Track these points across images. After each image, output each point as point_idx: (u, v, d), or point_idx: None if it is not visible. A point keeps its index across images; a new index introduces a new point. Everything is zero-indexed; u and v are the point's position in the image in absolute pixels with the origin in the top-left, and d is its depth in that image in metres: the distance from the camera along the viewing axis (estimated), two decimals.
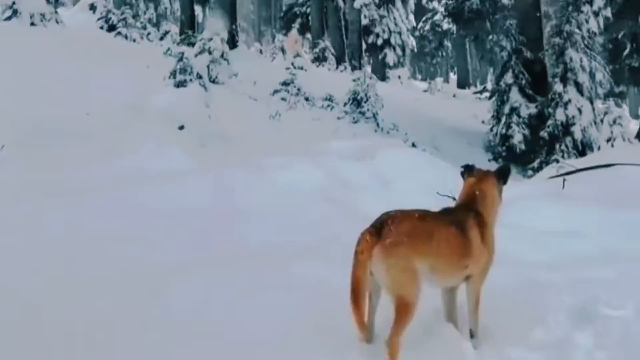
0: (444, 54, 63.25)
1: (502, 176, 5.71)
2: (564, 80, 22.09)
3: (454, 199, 9.57)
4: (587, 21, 22.58)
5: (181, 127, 16.11)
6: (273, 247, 6.98)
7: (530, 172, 21.94)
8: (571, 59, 21.93)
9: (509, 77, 23.31)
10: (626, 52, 30.54)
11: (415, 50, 48.88)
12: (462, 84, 53.86)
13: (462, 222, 5.35)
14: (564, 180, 9.77)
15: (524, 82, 23.28)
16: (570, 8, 22.33)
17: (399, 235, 5.00)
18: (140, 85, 17.09)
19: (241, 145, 16.77)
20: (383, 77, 40.28)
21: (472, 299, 5.48)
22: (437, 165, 14.45)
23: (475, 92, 47.62)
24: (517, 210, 9.00)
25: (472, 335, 5.46)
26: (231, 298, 5.84)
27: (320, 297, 5.91)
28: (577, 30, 22.16)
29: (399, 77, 43.84)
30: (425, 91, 39.54)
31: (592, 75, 22.61)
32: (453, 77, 67.05)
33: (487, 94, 44.75)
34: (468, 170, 5.65)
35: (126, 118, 15.30)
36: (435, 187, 10.89)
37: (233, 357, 4.95)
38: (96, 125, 14.11)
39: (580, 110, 21.89)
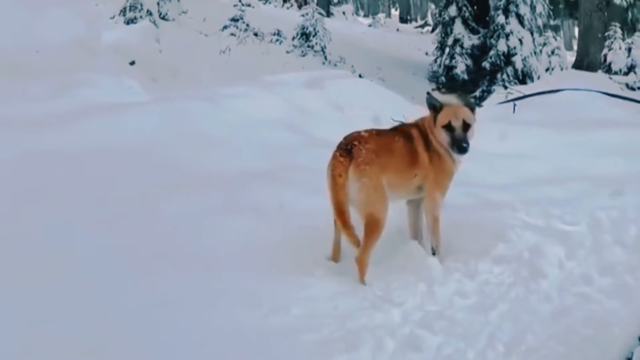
0: None
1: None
2: (506, 12, 22.06)
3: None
4: None
5: (132, 63, 15.74)
6: (237, 174, 6.83)
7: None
8: None
9: (452, 10, 23.18)
10: None
11: None
12: (404, 18, 53.51)
13: (408, 135, 5.39)
14: (514, 105, 9.73)
15: (467, 14, 23.18)
16: None
17: (369, 153, 5.02)
18: (90, 23, 16.56)
19: (192, 79, 16.48)
20: (327, 14, 39.69)
21: (429, 216, 5.46)
22: (385, 94, 14.42)
23: (417, 27, 47.44)
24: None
25: (434, 253, 5.43)
26: (199, 225, 5.72)
27: (286, 220, 5.81)
28: None
29: (344, 13, 43.37)
30: (370, 26, 39.18)
31: (532, 8, 22.56)
32: (395, 12, 66.55)
33: (429, 28, 44.73)
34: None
35: (77, 55, 14.87)
36: (386, 113, 10.83)
37: (201, 284, 4.80)
38: (47, 62, 13.66)
39: (521, 41, 21.93)
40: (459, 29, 22.89)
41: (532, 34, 22.42)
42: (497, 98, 11.38)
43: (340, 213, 4.95)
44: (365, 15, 65.93)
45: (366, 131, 5.28)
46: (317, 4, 41.99)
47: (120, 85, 9.82)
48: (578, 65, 30.76)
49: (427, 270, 5.01)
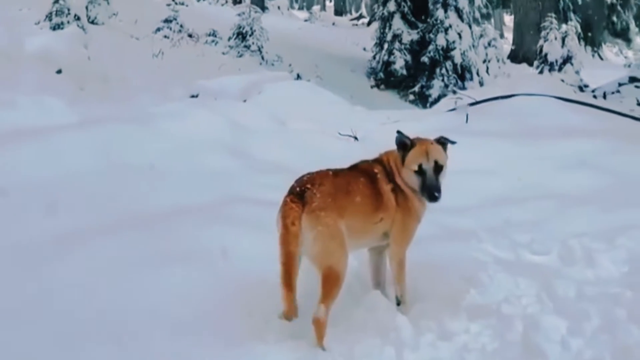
0: None
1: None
2: (445, 6, 21.47)
3: (356, 138, 8.83)
4: None
5: (59, 71, 14.67)
6: (173, 211, 5.99)
7: (411, 97, 21.44)
8: None
9: (391, 5, 22.48)
10: None
11: None
12: (339, 11, 52.77)
13: (371, 173, 4.71)
14: (467, 114, 9.06)
15: (406, 9, 22.51)
16: None
17: (324, 197, 4.33)
18: (11, 29, 15.41)
19: (123, 86, 15.51)
20: (262, 8, 38.77)
21: (394, 262, 4.76)
22: (327, 98, 13.81)
23: (352, 19, 46.82)
24: None
25: (398, 303, 4.74)
26: (125, 275, 4.85)
27: (229, 269, 5.03)
28: None
29: (279, 7, 42.45)
30: (306, 20, 38.35)
31: (470, 0, 22.07)
32: (329, 4, 65.83)
33: (364, 21, 44.16)
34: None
35: None
36: (330, 123, 10.13)
37: (130, 352, 3.99)
38: None
39: (460, 35, 21.40)
40: (398, 24, 22.22)
41: (470, 27, 21.92)
42: (447, 104, 10.67)
43: (287, 271, 4.21)
44: (300, 8, 65.23)
45: (321, 172, 4.56)
46: (252, 1, 41.29)
47: (41, 105, 8.85)
48: (514, 56, 30.58)
49: (395, 331, 4.28)
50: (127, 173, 6.79)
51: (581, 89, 11.05)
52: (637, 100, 10.61)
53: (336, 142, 8.64)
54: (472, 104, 9.92)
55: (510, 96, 9.77)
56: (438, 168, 4.61)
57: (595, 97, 11.07)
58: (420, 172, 4.58)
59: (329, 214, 4.28)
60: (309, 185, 4.36)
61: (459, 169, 7.61)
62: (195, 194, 6.44)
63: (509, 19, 47.09)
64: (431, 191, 4.55)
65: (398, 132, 4.74)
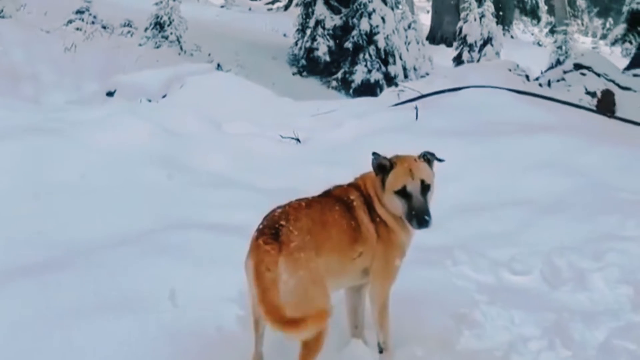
0: None
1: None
2: None
3: (298, 140, 8.05)
4: None
5: None
6: (106, 242, 5.06)
7: (334, 84, 20.77)
8: None
9: None
10: None
11: None
12: None
13: (346, 201, 3.93)
14: (417, 109, 8.33)
15: None
16: None
17: (302, 235, 3.54)
18: None
19: (34, 83, 14.33)
20: None
21: (376, 304, 3.97)
22: (252, 90, 12.99)
23: (268, 4, 45.75)
24: (371, 149, 7.52)
25: (381, 350, 3.98)
26: (51, 328, 3.94)
27: (179, 315, 4.18)
28: None
29: None
30: (222, 7, 37.14)
31: None
32: None
33: (279, 5, 43.19)
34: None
35: None
36: (266, 122, 9.34)
37: None
38: None
39: (383, 19, 20.80)
40: (321, 9, 21.40)
41: (392, 9, 21.33)
42: (389, 97, 9.93)
43: (279, 317, 3.35)
44: None
45: (292, 204, 3.76)
46: None
47: None
48: (432, 37, 30.27)
49: None
50: (48, 195, 5.81)
51: (528, 78, 10.50)
52: (585, 89, 10.13)
53: (278, 146, 7.84)
54: (418, 98, 9.20)
55: (460, 89, 9.08)
56: (425, 188, 3.85)
57: (540, 85, 10.55)
58: (405, 194, 3.82)
59: (308, 254, 3.48)
60: (283, 222, 3.54)
61: None
62: (131, 219, 5.51)
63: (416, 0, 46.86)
64: (420, 215, 3.79)
65: (374, 154, 3.96)
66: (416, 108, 8.38)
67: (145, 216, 5.57)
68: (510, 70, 10.43)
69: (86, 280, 4.47)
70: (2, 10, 17.18)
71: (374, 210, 3.91)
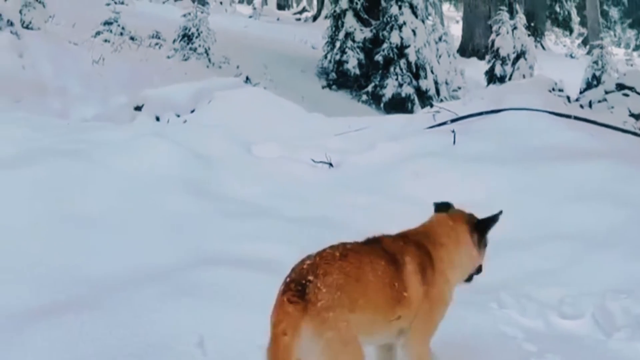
0: None
1: (480, 227, 3.89)
2: (399, 2, 20.54)
3: (331, 164, 7.80)
4: None
5: None
6: (130, 278, 4.81)
7: (364, 97, 20.53)
8: None
9: (344, 2, 21.47)
10: None
11: None
12: (282, 5, 51.51)
13: (396, 255, 3.53)
14: (454, 133, 8.02)
15: (358, 6, 21.50)
16: None
17: (332, 291, 3.16)
18: None
19: (62, 96, 14.20)
20: (203, 2, 37.51)
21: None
22: (281, 106, 12.75)
23: (295, 13, 45.73)
24: (407, 175, 7.27)
25: None
26: None
27: None
28: None
29: (221, 2, 41.10)
30: (250, 17, 37.07)
31: None
32: None
33: (307, 15, 43.09)
34: (441, 207, 3.76)
35: None
36: (296, 143, 9.07)
37: None
38: None
39: (414, 32, 20.55)
40: (350, 22, 21.19)
41: (424, 22, 21.05)
42: (424, 118, 9.61)
43: None
44: (240, 2, 64.06)
45: (325, 255, 3.34)
46: None
47: None
48: (463, 50, 29.91)
49: None
50: (71, 226, 5.58)
51: (569, 99, 10.16)
52: (629, 111, 9.76)
53: (310, 171, 7.57)
54: (455, 120, 8.88)
55: (498, 111, 8.74)
56: None
57: (581, 106, 10.20)
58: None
59: (338, 312, 3.17)
60: (310, 277, 3.19)
61: (450, 201, 6.67)
62: (157, 252, 5.25)
63: (445, 9, 46.60)
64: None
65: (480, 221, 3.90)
66: (453, 132, 8.06)
67: (172, 250, 5.32)
68: (550, 90, 10.08)
69: (110, 322, 4.22)
70: (30, 22, 17.08)
71: (434, 272, 3.61)
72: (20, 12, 16.75)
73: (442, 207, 3.86)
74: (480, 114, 8.82)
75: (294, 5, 59.70)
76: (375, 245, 3.56)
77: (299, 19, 41.86)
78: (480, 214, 6.30)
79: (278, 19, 37.94)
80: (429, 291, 3.53)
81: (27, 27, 16.68)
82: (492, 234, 5.94)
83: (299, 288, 3.15)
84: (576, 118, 8.60)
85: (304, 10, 46.99)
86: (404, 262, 3.50)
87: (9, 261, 4.98)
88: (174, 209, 6.03)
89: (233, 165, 7.23)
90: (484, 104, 9.33)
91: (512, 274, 5.34)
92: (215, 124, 10.26)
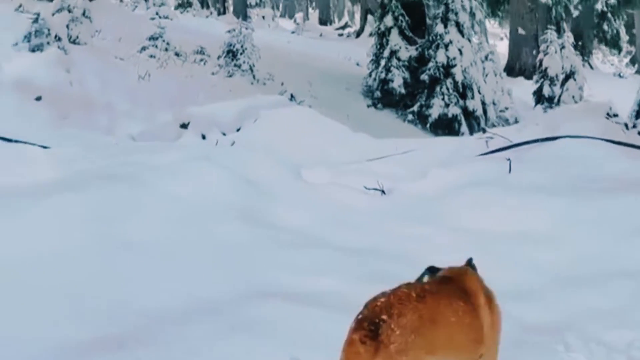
0: None
1: None
2: (445, 20, 20.43)
3: (383, 191, 7.74)
4: None
5: (38, 98, 13.48)
6: (182, 312, 4.77)
7: (410, 117, 20.41)
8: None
9: (388, 20, 21.36)
10: None
11: None
12: (324, 20, 51.66)
13: (469, 291, 3.47)
14: (510, 162, 7.90)
15: (403, 24, 21.40)
16: None
17: (406, 333, 3.06)
18: None
19: (108, 112, 14.34)
20: (245, 17, 37.78)
21: None
22: (328, 126, 12.77)
23: (338, 29, 45.80)
24: (461, 205, 7.16)
25: None
26: None
27: None
28: None
29: (263, 17, 41.32)
30: (293, 32, 37.22)
31: (471, 14, 21.04)
32: (312, 12, 64.79)
33: (350, 30, 43.11)
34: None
35: None
36: (346, 166, 9.04)
37: None
38: None
39: (460, 51, 20.34)
40: (395, 40, 21.08)
41: (470, 41, 20.88)
42: (477, 144, 9.49)
43: None
44: (282, 16, 64.51)
45: (399, 293, 3.22)
46: (234, 10, 40.16)
47: (19, 154, 7.65)
48: (509, 69, 29.63)
49: None
50: (119, 255, 5.54)
51: (626, 126, 9.95)
52: None
53: (362, 198, 7.50)
54: (509, 147, 8.74)
55: (554, 138, 8.60)
56: None
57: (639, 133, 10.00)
58: None
59: (412, 355, 3.09)
60: (384, 317, 3.09)
61: (506, 233, 6.56)
62: (208, 283, 5.20)
63: (489, 26, 46.24)
64: None
65: None
66: (509, 160, 7.94)
67: (223, 280, 5.26)
68: (606, 117, 9.91)
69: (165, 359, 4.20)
70: (77, 37, 17.29)
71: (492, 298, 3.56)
72: (68, 26, 16.99)
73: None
74: (536, 141, 8.68)
75: (336, 20, 59.98)
76: (451, 284, 3.47)
77: (341, 35, 41.92)
78: (540, 248, 6.22)
79: (321, 35, 38.00)
80: (493, 321, 3.48)
81: (74, 42, 16.90)
82: (549, 268, 5.87)
83: (371, 328, 3.06)
84: (636, 147, 8.42)
85: (346, 25, 47.06)
86: (477, 297, 3.43)
87: (59, 290, 4.94)
88: (224, 237, 5.98)
89: (283, 191, 7.18)
90: (539, 130, 9.21)
91: (576, 313, 5.19)
92: (263, 144, 10.28)
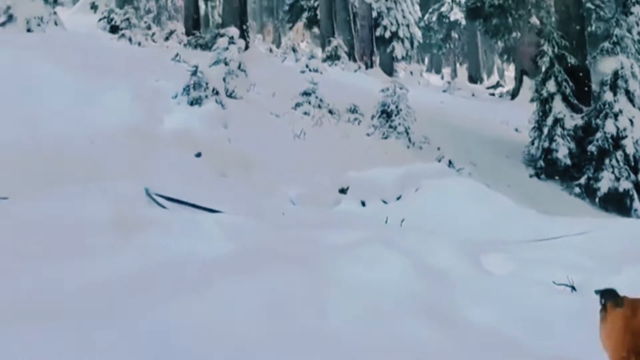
0: (451, 45, 60.81)
1: None
2: (614, 88, 19.64)
3: (573, 287, 7.26)
4: (637, 24, 20.08)
5: (198, 155, 13.79)
6: None
7: (577, 190, 19.64)
8: (622, 66, 19.48)
9: (551, 85, 20.77)
10: None
11: (420, 41, 46.28)
12: (473, 77, 51.24)
13: None
14: None
15: (567, 90, 20.75)
16: (618, 10, 19.85)
17: None
18: (150, 105, 14.69)
19: (265, 172, 14.48)
20: (390, 72, 37.96)
21: None
22: (493, 199, 12.36)
23: (489, 87, 45.38)
24: None
25: None
26: None
27: None
28: (627, 34, 19.72)
29: (412, 72, 41.37)
30: (444, 91, 36.98)
31: None
32: (459, 68, 64.57)
33: (502, 90, 42.55)
34: None
35: (135, 147, 13.00)
36: (526, 254, 8.57)
37: None
38: (99, 158, 11.95)
39: (631, 122, 19.50)
40: (559, 107, 20.47)
41: None
42: None
43: None
44: (428, 70, 64.72)
45: None
46: (381, 64, 40.46)
47: (193, 224, 7.67)
48: None
49: None
50: (304, 344, 5.32)
51: None
52: None
53: (550, 295, 7.00)
54: None
55: None
56: None
57: None
58: None
59: None
60: None
61: None
62: None
63: None
64: None
65: None
66: None
67: None
68: None
69: None
70: (233, 91, 17.67)
71: None
72: (224, 79, 17.43)
73: None
74: None
75: (485, 77, 59.54)
76: None
77: (492, 94, 41.47)
78: None
79: (473, 95, 37.66)
80: None
81: (230, 96, 17.30)
82: None
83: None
84: None
85: (498, 84, 46.61)
86: None
87: None
88: (408, 336, 5.61)
89: (465, 284, 6.78)
90: None
91: None
92: (430, 219, 10.02)
